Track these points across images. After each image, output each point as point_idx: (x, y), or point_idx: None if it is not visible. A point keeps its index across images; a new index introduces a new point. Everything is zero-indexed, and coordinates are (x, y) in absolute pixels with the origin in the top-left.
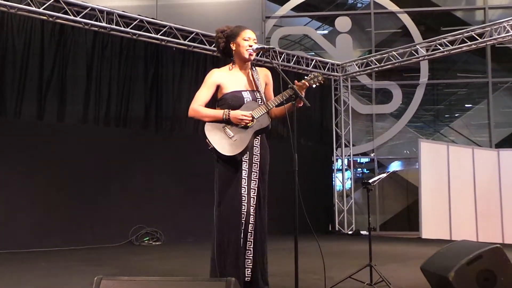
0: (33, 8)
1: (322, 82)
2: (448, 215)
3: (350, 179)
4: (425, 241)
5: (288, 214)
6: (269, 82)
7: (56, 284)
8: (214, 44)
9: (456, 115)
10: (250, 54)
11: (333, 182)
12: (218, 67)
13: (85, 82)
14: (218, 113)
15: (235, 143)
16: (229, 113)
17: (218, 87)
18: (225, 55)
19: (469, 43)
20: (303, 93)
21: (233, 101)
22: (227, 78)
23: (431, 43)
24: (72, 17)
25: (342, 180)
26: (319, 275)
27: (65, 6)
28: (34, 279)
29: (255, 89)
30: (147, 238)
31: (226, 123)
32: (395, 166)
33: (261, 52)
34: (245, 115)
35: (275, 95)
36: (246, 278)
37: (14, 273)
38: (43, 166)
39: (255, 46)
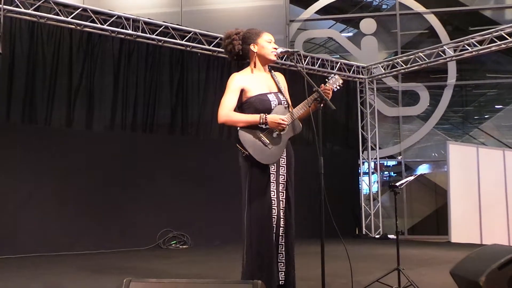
0: (62, 18)
1: (341, 85)
2: (479, 218)
3: (377, 182)
4: (455, 245)
5: (315, 218)
6: (285, 85)
7: (86, 286)
8: (224, 47)
9: (485, 116)
10: (275, 56)
11: (360, 186)
12: (238, 71)
13: (112, 89)
14: (254, 117)
15: (272, 151)
16: (266, 117)
17: (241, 91)
18: (238, 58)
19: (499, 42)
20: (330, 96)
21: (259, 104)
22: (249, 81)
23: (459, 44)
24: (99, 25)
25: (368, 184)
26: (346, 279)
27: (92, 15)
28: (65, 281)
29: (278, 91)
30: (174, 242)
31: (260, 129)
32: (422, 169)
33: (286, 55)
34: (283, 119)
35: (295, 98)
36: (280, 282)
37: (44, 276)
38: (73, 172)
39: (280, 49)
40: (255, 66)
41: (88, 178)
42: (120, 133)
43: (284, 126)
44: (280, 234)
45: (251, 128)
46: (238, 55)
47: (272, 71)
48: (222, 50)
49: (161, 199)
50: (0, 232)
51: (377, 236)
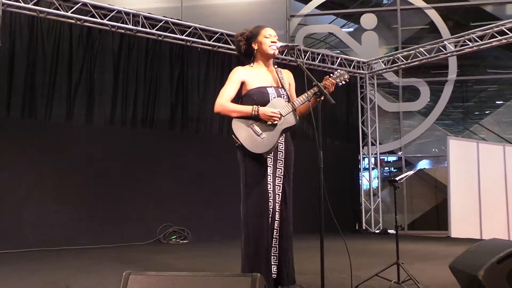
0: (62, 12)
1: (347, 80)
2: (478, 213)
3: (377, 177)
4: (454, 240)
5: (315, 213)
6: (292, 83)
7: (86, 280)
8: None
9: (486, 112)
10: (273, 49)
11: (360, 181)
12: (243, 65)
13: (112, 84)
14: (247, 108)
15: (263, 141)
16: (258, 109)
17: (242, 84)
18: (247, 57)
19: (499, 38)
20: (332, 90)
21: (258, 96)
22: (251, 74)
23: (460, 39)
24: (99, 20)
25: (369, 179)
26: (345, 273)
27: (92, 10)
28: (66, 276)
29: (279, 85)
30: (175, 237)
31: (254, 119)
32: (423, 165)
33: (286, 50)
34: (274, 113)
35: (298, 95)
36: (272, 275)
37: (45, 270)
38: (73, 167)
39: (279, 43)
40: (257, 62)
41: (88, 173)
42: (120, 128)
43: (275, 119)
44: (275, 227)
45: (245, 117)
46: (246, 54)
47: (278, 67)
48: (222, 45)
49: (161, 194)
50: (1, 226)
51: (377, 231)
